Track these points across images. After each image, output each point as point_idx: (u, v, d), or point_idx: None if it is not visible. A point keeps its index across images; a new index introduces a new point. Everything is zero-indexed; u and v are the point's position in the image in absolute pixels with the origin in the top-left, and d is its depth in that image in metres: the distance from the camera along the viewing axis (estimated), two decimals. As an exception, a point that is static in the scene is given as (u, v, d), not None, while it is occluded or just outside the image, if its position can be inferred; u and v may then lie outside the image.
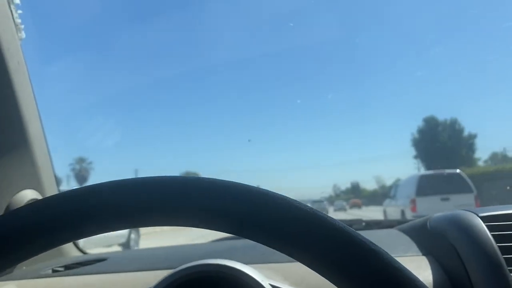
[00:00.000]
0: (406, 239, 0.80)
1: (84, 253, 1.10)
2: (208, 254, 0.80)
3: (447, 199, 9.69)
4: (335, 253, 0.26)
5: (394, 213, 11.34)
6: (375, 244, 0.27)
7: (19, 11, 0.81)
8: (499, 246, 0.59)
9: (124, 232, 10.93)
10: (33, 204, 0.28)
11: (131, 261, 0.88)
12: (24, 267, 0.90)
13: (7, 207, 0.83)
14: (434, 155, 36.99)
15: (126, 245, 10.74)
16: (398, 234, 0.86)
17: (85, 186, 0.28)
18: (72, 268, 0.85)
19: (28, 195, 0.88)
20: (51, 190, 0.96)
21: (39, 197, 0.91)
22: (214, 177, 0.29)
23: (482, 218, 0.63)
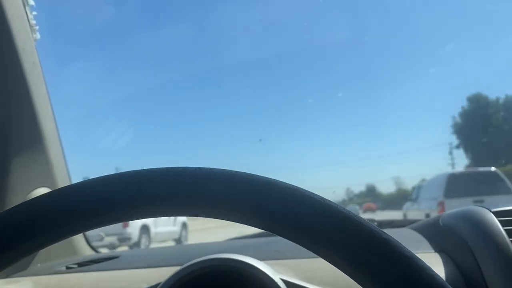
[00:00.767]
0: (418, 237, 0.80)
1: (97, 251, 1.11)
2: (219, 251, 0.80)
3: (481, 201, 8.07)
4: (365, 253, 0.26)
5: (417, 218, 10.12)
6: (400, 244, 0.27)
7: (34, 13, 0.83)
8: None
9: (177, 228, 12.23)
10: (64, 188, 0.28)
11: (143, 258, 0.88)
12: (38, 264, 0.91)
13: None
14: (483, 146, 28.09)
15: (178, 241, 11.56)
16: (411, 232, 0.86)
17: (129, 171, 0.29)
18: (85, 265, 0.86)
19: (43, 193, 0.89)
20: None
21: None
22: None
23: (495, 213, 0.62)
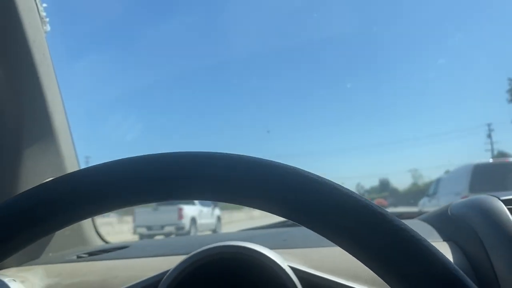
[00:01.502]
0: (427, 227, 0.80)
1: (106, 242, 1.12)
2: (228, 240, 0.81)
3: (511, 197, 7.41)
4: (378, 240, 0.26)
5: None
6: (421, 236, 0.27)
7: (44, 5, 0.84)
8: None
9: (214, 220, 14.54)
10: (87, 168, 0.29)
11: (152, 248, 0.90)
12: (50, 254, 0.93)
13: None
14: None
15: (214, 231, 13.39)
16: (419, 222, 0.86)
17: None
18: (95, 254, 0.87)
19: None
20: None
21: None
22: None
23: (504, 201, 0.62)
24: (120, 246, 0.92)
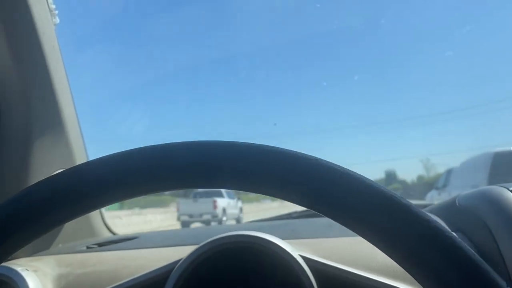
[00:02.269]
0: (434, 218, 0.80)
1: (114, 233, 1.13)
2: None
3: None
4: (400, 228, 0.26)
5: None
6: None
7: (54, -3, 0.85)
8: None
9: (237, 211, 17.51)
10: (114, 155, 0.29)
11: (162, 238, 0.90)
12: (60, 245, 0.94)
13: None
14: None
15: (237, 220, 16.22)
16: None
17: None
18: (105, 245, 0.88)
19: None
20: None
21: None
22: None
23: None
24: (129, 237, 0.93)
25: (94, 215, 1.07)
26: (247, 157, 0.27)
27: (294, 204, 0.29)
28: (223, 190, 13.89)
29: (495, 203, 0.62)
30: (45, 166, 0.89)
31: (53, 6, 0.84)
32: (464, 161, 8.93)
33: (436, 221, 0.26)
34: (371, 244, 0.27)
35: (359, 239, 0.28)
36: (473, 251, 0.25)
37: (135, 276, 0.67)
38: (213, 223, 13.89)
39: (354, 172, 0.28)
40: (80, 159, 0.98)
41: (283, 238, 0.69)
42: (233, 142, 0.28)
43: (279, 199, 0.29)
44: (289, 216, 1.11)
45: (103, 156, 0.30)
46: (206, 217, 15.04)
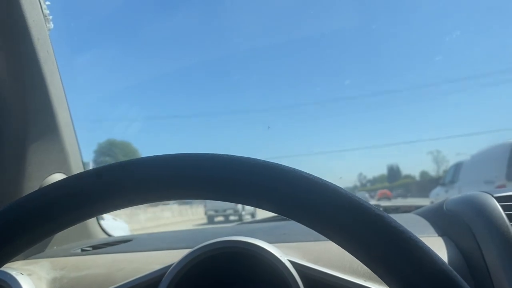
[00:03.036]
0: (422, 221, 0.82)
1: (109, 235, 1.14)
2: (229, 235, 0.83)
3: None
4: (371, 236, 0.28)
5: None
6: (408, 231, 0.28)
7: (47, 3, 0.85)
8: None
9: (253, 208, 17.90)
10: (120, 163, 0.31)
11: (156, 241, 0.91)
12: (55, 247, 0.95)
13: None
14: None
15: (253, 215, 16.95)
16: (415, 217, 0.88)
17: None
18: (99, 248, 0.89)
19: (58, 178, 0.92)
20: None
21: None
22: None
23: (497, 198, 0.64)
24: (124, 240, 0.94)
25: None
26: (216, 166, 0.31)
27: None
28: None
29: (479, 210, 0.64)
30: (40, 170, 0.90)
31: (47, 12, 0.85)
32: (475, 153, 7.98)
33: (397, 224, 0.29)
34: None
35: None
36: (435, 252, 0.28)
37: (129, 280, 0.68)
38: (232, 217, 17.25)
39: (320, 178, 0.31)
40: (74, 162, 0.99)
41: (273, 242, 0.70)
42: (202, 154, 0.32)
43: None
44: (281, 218, 1.12)
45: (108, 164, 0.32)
46: (228, 211, 17.23)
